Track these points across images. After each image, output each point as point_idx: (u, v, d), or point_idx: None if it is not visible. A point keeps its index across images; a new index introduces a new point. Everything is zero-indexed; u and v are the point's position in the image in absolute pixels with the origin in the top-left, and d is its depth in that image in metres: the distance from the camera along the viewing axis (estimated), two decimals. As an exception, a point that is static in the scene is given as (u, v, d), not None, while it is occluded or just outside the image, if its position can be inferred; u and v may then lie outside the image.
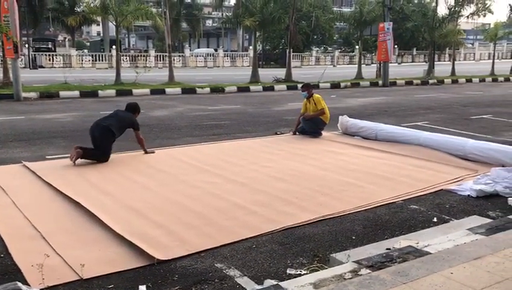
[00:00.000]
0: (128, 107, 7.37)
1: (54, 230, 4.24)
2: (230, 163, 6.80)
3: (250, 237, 4.13)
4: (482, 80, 26.38)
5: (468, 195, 5.39)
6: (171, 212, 4.73)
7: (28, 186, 5.67)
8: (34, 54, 34.22)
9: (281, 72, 24.65)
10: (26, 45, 34.38)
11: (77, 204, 4.88)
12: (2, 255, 3.77)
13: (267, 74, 25.09)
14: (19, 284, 2.94)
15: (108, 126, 6.80)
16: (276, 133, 9.34)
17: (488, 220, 4.42)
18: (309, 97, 9.04)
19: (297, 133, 9.08)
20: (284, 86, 20.61)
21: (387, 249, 3.64)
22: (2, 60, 18.28)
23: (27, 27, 36.78)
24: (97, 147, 6.79)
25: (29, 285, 3.18)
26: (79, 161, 6.59)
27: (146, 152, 7.29)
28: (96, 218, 4.47)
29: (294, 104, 13.74)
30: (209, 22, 66.43)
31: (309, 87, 9.25)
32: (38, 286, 3.19)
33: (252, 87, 19.80)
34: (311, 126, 8.89)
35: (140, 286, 3.25)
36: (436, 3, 28.62)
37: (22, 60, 27.59)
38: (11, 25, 13.81)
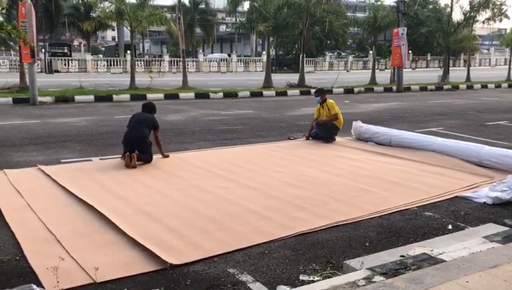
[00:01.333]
0: (147, 108, 7.49)
1: (68, 233, 4.27)
2: (243, 168, 6.81)
3: (263, 243, 4.12)
4: (498, 86, 26.09)
5: (484, 202, 5.32)
6: (184, 216, 4.74)
7: (43, 189, 5.73)
8: (50, 59, 34.68)
9: (294, 78, 24.66)
10: (43, 50, 34.82)
11: (91, 208, 4.92)
12: (17, 258, 3.81)
13: (280, 79, 25.12)
14: (34, 286, 2.97)
15: (140, 134, 6.92)
16: (289, 138, 9.32)
17: (505, 228, 4.36)
18: (322, 102, 9.02)
19: (310, 138, 9.06)
20: (297, 91, 20.61)
21: (401, 256, 3.61)
22: (19, 65, 18.55)
23: (43, 32, 37.28)
24: (140, 151, 6.90)
25: (43, 288, 3.20)
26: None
27: (163, 155, 7.32)
28: (110, 222, 4.50)
29: (307, 109, 13.72)
30: (222, 27, 66.76)
31: (322, 93, 9.23)
32: (52, 289, 3.21)
33: (265, 92, 19.83)
34: (325, 131, 8.87)
35: (153, 290, 3.26)
36: (451, 8, 28.40)
37: (38, 64, 27.93)
38: (28, 30, 14.02)
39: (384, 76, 28.59)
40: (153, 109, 7.52)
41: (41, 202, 5.22)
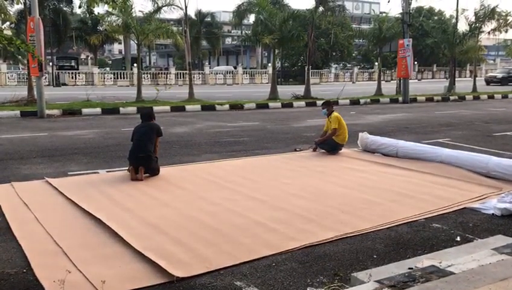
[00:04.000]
0: (145, 117, 7.37)
1: (75, 246, 4.28)
2: (249, 180, 6.80)
3: (270, 255, 4.10)
4: (505, 96, 25.99)
5: (493, 214, 5.27)
6: (191, 229, 4.74)
7: (51, 202, 5.75)
8: (58, 72, 35.04)
9: (299, 89, 24.73)
10: (50, 63, 35.19)
11: (98, 220, 4.92)
12: (24, 271, 3.81)
13: (286, 90, 25.20)
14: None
15: (145, 153, 6.83)
16: (295, 150, 9.32)
17: (514, 240, 4.31)
18: (329, 115, 8.97)
19: (317, 150, 9.02)
20: (302, 103, 20.64)
21: (409, 268, 3.57)
22: (27, 78, 18.74)
23: (51, 46, 37.72)
24: (147, 168, 6.85)
25: (50, 301, 3.20)
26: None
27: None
28: (117, 234, 4.50)
29: (313, 120, 13.74)
30: (228, 40, 67.24)
31: (328, 105, 9.17)
32: (59, 302, 3.21)
33: (270, 104, 19.88)
34: (327, 149, 8.80)
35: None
36: (457, 19, 28.49)
37: (46, 78, 28.22)
38: (37, 44, 14.18)
39: (390, 87, 28.61)
40: (152, 115, 7.45)
41: (49, 214, 5.23)
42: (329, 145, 8.77)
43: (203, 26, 49.81)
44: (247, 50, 60.13)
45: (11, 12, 24.37)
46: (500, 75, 38.87)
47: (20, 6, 25.15)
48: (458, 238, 4.55)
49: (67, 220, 5.07)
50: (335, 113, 8.99)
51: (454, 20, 29.35)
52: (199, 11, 49.40)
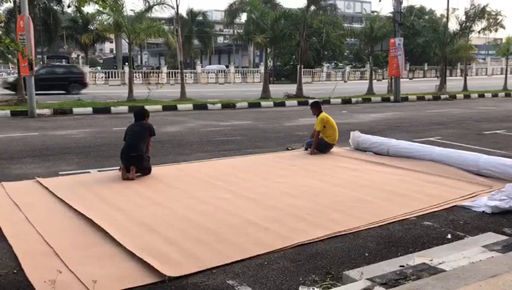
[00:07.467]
0: (139, 115, 7.31)
1: (66, 246, 4.25)
2: (241, 179, 6.80)
3: (262, 254, 4.10)
4: (495, 95, 26.20)
5: (483, 211, 5.31)
6: (183, 228, 4.73)
7: (41, 202, 5.71)
8: (49, 71, 34.69)
9: (291, 88, 24.75)
10: (41, 63, 34.90)
11: (89, 220, 4.89)
12: (15, 271, 3.79)
13: (278, 89, 25.21)
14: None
15: (137, 153, 6.80)
16: (287, 149, 9.33)
17: (504, 237, 4.34)
18: (317, 115, 8.93)
19: (309, 149, 9.02)
20: (295, 102, 20.67)
21: (401, 266, 3.59)
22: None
23: (42, 45, 37.44)
24: (139, 168, 6.84)
25: (41, 301, 3.18)
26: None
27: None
28: (108, 234, 4.48)
29: (305, 119, 13.76)
30: (220, 39, 67.14)
31: (314, 107, 9.10)
32: (50, 302, 3.19)
33: (263, 103, 19.89)
34: (318, 147, 8.78)
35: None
36: (447, 18, 28.65)
37: (36, 77, 27.92)
38: (27, 43, 14.06)
39: (381, 86, 28.72)
40: (145, 114, 7.37)
41: (39, 214, 5.19)
42: (320, 145, 8.77)
43: (194, 25, 49.69)
44: (239, 49, 60.14)
45: (1, 11, 24.18)
46: (11, 79, 23.82)
47: (10, 5, 25.00)
48: (449, 236, 4.58)
49: (58, 220, 5.04)
50: (322, 115, 8.84)
51: (445, 19, 29.51)
52: (191, 10, 49.27)
